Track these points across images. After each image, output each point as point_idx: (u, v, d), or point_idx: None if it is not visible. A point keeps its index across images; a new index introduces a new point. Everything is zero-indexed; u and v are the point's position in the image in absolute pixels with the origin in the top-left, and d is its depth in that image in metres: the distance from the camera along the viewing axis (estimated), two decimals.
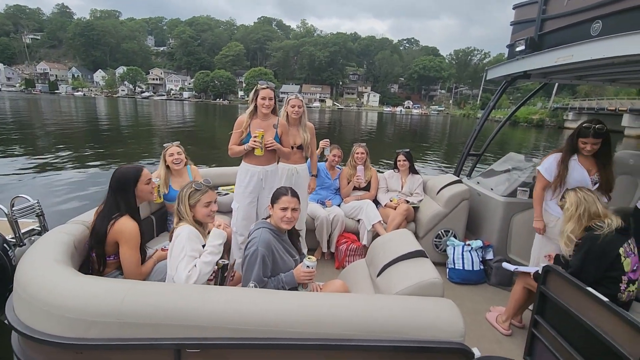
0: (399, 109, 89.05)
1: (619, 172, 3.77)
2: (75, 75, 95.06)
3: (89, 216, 2.16)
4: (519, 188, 3.43)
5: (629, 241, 2.03)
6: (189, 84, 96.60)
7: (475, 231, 3.82)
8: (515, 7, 3.34)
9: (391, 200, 3.85)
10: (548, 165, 2.63)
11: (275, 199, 2.09)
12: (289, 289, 1.97)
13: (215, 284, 1.93)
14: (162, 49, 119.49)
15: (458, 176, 4.08)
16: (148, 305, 1.46)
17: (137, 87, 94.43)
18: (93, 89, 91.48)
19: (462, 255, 3.39)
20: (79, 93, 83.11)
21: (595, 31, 2.36)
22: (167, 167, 3.09)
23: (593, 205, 2.12)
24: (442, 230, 3.64)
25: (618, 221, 2.05)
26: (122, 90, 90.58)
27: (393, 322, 1.51)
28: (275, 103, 2.85)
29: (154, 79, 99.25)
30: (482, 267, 3.37)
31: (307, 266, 1.97)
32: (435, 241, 3.66)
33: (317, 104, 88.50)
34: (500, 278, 3.28)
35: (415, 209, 3.83)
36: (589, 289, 1.79)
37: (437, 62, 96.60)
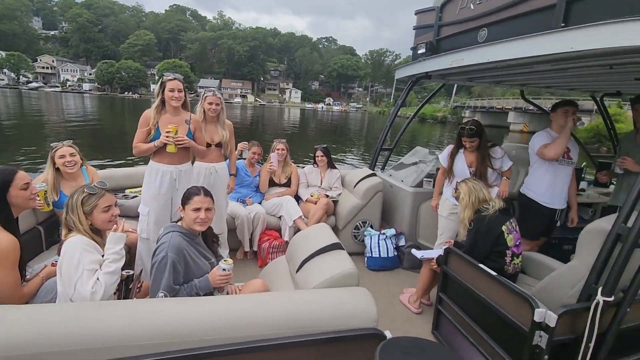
0: (320, 105, 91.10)
1: None
2: None
3: None
4: (424, 179, 3.76)
5: (511, 220, 2.37)
6: (90, 74, 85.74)
7: (389, 220, 4.10)
8: (416, 13, 3.63)
9: (312, 195, 3.92)
10: (443, 155, 3.17)
11: (186, 199, 1.97)
12: (204, 295, 1.87)
13: (119, 298, 1.74)
14: (52, 33, 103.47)
15: (373, 170, 4.33)
16: (39, 332, 1.25)
17: (21, 77, 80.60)
18: None
19: (378, 243, 3.61)
20: None
21: (481, 38, 2.67)
22: (57, 169, 2.68)
23: (480, 192, 2.43)
24: (360, 222, 3.83)
25: (500, 203, 2.38)
26: (0, 80, 76.54)
27: (312, 316, 1.53)
28: (185, 96, 2.68)
29: (44, 68, 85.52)
30: (396, 253, 3.64)
31: (223, 269, 1.89)
32: (354, 232, 3.84)
33: (238, 99, 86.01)
34: (411, 262, 3.57)
35: (335, 202, 3.96)
36: (481, 265, 2.05)
37: (354, 61, 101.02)
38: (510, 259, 2.29)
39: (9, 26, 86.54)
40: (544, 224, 2.92)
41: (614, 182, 3.43)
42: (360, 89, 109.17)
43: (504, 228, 2.29)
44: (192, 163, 2.95)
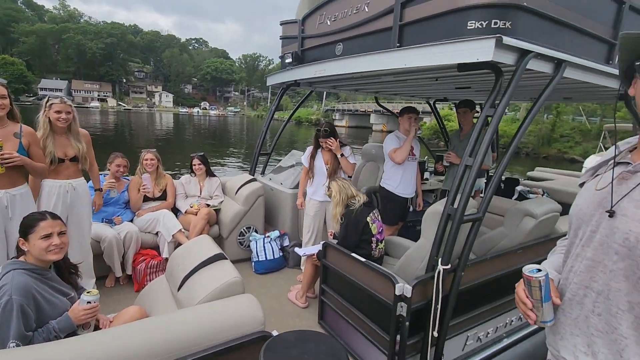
0: (195, 110, 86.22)
1: (366, 160, 4.94)
2: None
3: None
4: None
5: (374, 211, 2.73)
6: None
7: (273, 223, 4.20)
8: (281, 24, 3.81)
9: (191, 206, 3.73)
10: (305, 156, 3.49)
11: (28, 228, 1.66)
12: (65, 336, 1.61)
13: None
14: None
15: (253, 174, 4.36)
16: None
17: None
18: None
19: (264, 247, 3.66)
20: None
21: (338, 51, 2.98)
22: None
23: (349, 189, 2.73)
24: (244, 227, 3.82)
25: (364, 198, 2.72)
26: None
27: (199, 332, 1.49)
28: (11, 103, 2.25)
29: None
30: (281, 253, 3.76)
31: (88, 302, 1.67)
32: (239, 239, 3.81)
33: (96, 103, 74.74)
34: (296, 260, 3.74)
35: (217, 211, 3.86)
36: (352, 254, 2.30)
37: (228, 64, 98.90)
38: (375, 245, 2.63)
39: None
40: (400, 210, 3.48)
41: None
42: (237, 93, 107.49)
43: (368, 219, 2.62)
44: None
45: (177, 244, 3.38)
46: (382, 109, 6.35)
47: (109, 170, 3.45)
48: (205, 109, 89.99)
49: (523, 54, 1.86)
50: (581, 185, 1.16)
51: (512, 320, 2.58)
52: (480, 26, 1.88)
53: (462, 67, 2.03)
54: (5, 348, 1.45)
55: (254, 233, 3.84)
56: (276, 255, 3.69)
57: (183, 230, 3.44)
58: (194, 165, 3.94)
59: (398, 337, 1.94)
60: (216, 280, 1.78)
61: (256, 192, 3.82)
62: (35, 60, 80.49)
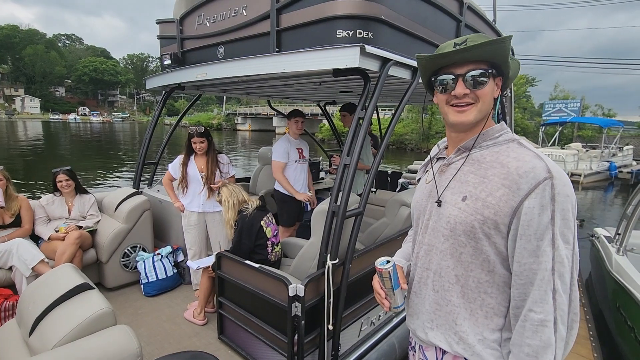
0: (72, 116, 74.60)
1: (263, 163, 4.93)
2: None
3: None
4: None
5: (268, 215, 2.71)
6: None
7: (164, 238, 3.87)
8: (158, 23, 3.53)
9: (57, 230, 3.19)
10: (175, 165, 3.23)
11: None
12: None
13: None
14: None
15: (137, 187, 3.95)
16: None
17: None
18: None
19: (154, 266, 3.34)
20: None
21: (220, 54, 2.88)
22: None
23: (240, 194, 2.67)
24: (129, 248, 3.43)
25: (257, 201, 2.69)
26: None
27: None
28: None
29: None
30: (175, 270, 3.47)
31: None
32: (123, 261, 3.40)
33: None
34: (193, 275, 3.50)
35: (93, 232, 3.38)
36: (246, 261, 2.25)
37: (110, 64, 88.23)
38: (271, 248, 2.62)
39: None
40: (295, 211, 3.55)
41: None
42: (124, 97, 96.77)
43: (262, 223, 2.59)
44: None
45: None
46: (276, 112, 6.42)
47: None
48: (85, 115, 78.70)
49: (384, 61, 2.06)
50: (418, 180, 1.34)
51: None
52: (347, 35, 2.02)
53: (337, 72, 2.15)
54: None
55: (141, 252, 3.47)
56: (169, 273, 3.39)
57: (47, 260, 2.92)
58: (59, 182, 3.37)
59: (296, 337, 1.96)
60: (79, 316, 1.54)
61: (141, 207, 3.46)
62: None
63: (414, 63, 2.24)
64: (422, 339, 1.17)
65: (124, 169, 14.51)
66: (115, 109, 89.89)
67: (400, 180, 4.92)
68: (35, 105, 76.37)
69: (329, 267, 1.95)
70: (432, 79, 1.10)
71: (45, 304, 1.62)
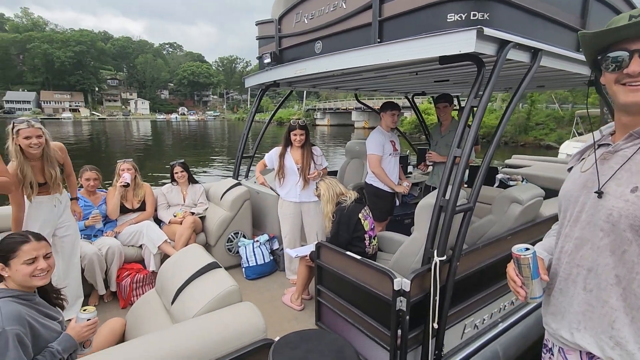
0: (173, 116, 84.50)
1: (351, 157, 4.95)
2: None
3: None
4: None
5: (365, 208, 2.72)
6: None
7: (261, 226, 4.14)
8: (257, 24, 3.75)
9: (175, 216, 3.63)
10: (271, 157, 3.38)
11: (8, 253, 1.54)
12: (68, 356, 1.56)
13: None
14: None
15: (237, 179, 4.29)
16: None
17: None
18: None
19: (254, 252, 3.60)
20: None
21: (317, 49, 2.95)
22: None
23: (336, 187, 2.72)
24: (232, 234, 3.75)
25: (355, 194, 2.70)
26: None
27: (202, 346, 1.45)
28: None
29: None
30: (271, 257, 3.70)
31: (88, 319, 1.61)
32: (227, 245, 3.74)
33: (68, 114, 72.14)
34: (288, 263, 3.69)
35: (202, 218, 3.77)
36: (348, 252, 2.28)
37: (204, 68, 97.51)
38: (369, 241, 2.62)
39: None
40: (388, 205, 3.49)
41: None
42: (215, 97, 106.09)
43: (360, 215, 2.60)
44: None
45: (164, 256, 3.29)
46: (362, 105, 6.37)
47: (79, 184, 3.31)
48: (184, 114, 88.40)
49: (502, 44, 1.88)
50: (569, 169, 1.20)
51: (505, 305, 2.62)
52: (459, 18, 1.89)
53: (444, 59, 2.03)
54: None
55: (242, 238, 3.77)
56: (267, 260, 3.63)
57: (169, 240, 3.34)
58: (176, 173, 3.83)
59: (399, 331, 1.93)
60: (212, 290, 1.73)
61: (242, 197, 3.75)
62: None
63: (535, 44, 2.02)
64: (567, 340, 1.07)
65: (215, 162, 15.94)
66: (208, 108, 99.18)
67: (499, 176, 4.50)
68: (145, 106, 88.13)
69: (436, 264, 1.88)
70: (600, 57, 0.97)
71: (184, 278, 1.85)
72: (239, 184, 3.95)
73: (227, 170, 13.23)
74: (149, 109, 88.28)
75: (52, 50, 77.24)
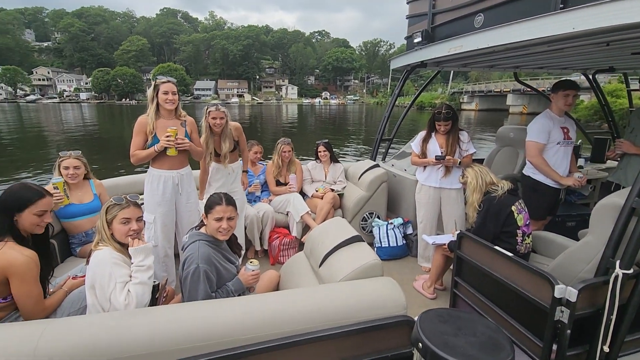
0: (317, 100, 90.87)
1: (502, 144, 4.39)
2: None
3: None
4: None
5: (520, 201, 2.40)
6: (86, 83, 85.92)
7: (395, 210, 4.13)
8: (409, 2, 3.63)
9: (317, 191, 3.95)
10: (416, 142, 3.30)
11: (208, 208, 1.97)
12: (237, 296, 1.92)
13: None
14: (46, 44, 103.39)
15: (374, 160, 4.35)
16: (73, 344, 1.26)
17: (18, 90, 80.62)
18: None
19: (387, 233, 3.64)
20: None
21: (478, 23, 2.68)
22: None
23: (487, 175, 2.46)
24: (367, 213, 3.86)
25: (508, 185, 2.41)
26: None
27: (343, 309, 1.56)
28: (179, 99, 2.67)
29: (40, 80, 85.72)
30: (404, 241, 3.67)
31: (252, 270, 1.97)
32: (361, 224, 3.87)
33: (235, 99, 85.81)
34: (421, 249, 3.60)
35: (340, 195, 3.99)
36: (497, 247, 2.07)
37: (348, 53, 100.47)
38: (521, 238, 2.32)
39: (2, 40, 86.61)
40: (550, 203, 2.96)
41: (619, 159, 3.45)
42: (356, 81, 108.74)
43: (513, 208, 2.32)
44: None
45: (304, 225, 3.65)
46: (523, 87, 5.52)
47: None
48: (326, 98, 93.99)
49: None
50: None
51: None
52: None
53: None
54: None
55: (376, 219, 3.85)
56: (399, 243, 3.62)
57: (310, 212, 3.67)
58: (320, 151, 4.14)
59: (554, 345, 1.68)
60: (357, 260, 1.82)
61: (380, 178, 3.80)
62: (191, 66, 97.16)
63: None
64: None
65: (352, 143, 16.48)
66: (348, 92, 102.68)
67: None
68: (294, 92, 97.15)
69: (616, 277, 1.53)
70: None
71: (331, 245, 2.01)
72: (377, 165, 4.01)
73: (359, 152, 13.55)
74: (297, 93, 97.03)
75: (227, 45, 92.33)
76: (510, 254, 1.93)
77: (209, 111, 2.99)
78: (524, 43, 2.22)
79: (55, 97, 78.80)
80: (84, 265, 1.77)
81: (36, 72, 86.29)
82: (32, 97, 77.14)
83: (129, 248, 1.73)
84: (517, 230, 2.30)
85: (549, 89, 3.18)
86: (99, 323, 1.38)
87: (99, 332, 1.32)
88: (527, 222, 2.35)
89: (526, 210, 2.39)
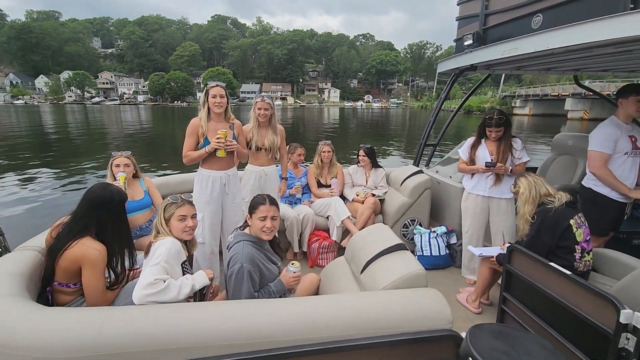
0: (359, 103, 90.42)
1: (558, 152, 4.09)
2: (14, 82, 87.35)
3: (38, 241, 1.99)
4: None
5: (580, 214, 2.23)
6: (143, 86, 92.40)
7: (439, 218, 3.99)
8: (459, 4, 3.50)
9: (358, 195, 3.92)
10: (463, 148, 3.19)
11: (252, 208, 2.03)
12: (279, 297, 1.96)
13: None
14: (110, 51, 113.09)
15: (417, 166, 4.24)
16: (130, 332, 1.35)
17: (85, 93, 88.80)
18: (36, 96, 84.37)
19: (429, 242, 3.53)
20: (20, 101, 76.39)
21: (536, 24, 2.53)
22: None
23: (542, 187, 2.30)
24: (409, 220, 3.77)
25: (567, 196, 2.24)
26: (69, 97, 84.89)
27: (385, 318, 1.53)
28: (227, 102, 2.78)
29: (104, 83, 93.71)
30: (447, 251, 3.53)
31: (293, 271, 1.99)
32: (402, 231, 3.78)
33: (278, 102, 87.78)
34: (465, 260, 3.44)
35: (381, 201, 3.93)
36: (552, 264, 1.93)
37: (392, 56, 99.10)
38: (580, 255, 2.14)
39: (74, 48, 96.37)
40: (614, 218, 2.71)
41: None
42: (400, 84, 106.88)
43: (572, 222, 2.15)
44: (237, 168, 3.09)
45: (344, 229, 3.63)
46: (585, 90, 5.11)
47: (289, 159, 3.96)
48: (369, 102, 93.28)
49: None
50: None
51: None
52: None
53: None
54: None
55: (418, 226, 3.74)
56: (442, 252, 3.49)
57: (351, 217, 3.65)
58: (360, 155, 4.11)
59: None
60: (400, 269, 1.78)
61: (423, 185, 3.70)
62: (238, 70, 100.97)
63: None
64: None
65: (392, 148, 16.17)
66: (392, 96, 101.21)
67: None
68: (336, 95, 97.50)
69: None
70: None
71: (374, 252, 1.98)
72: (420, 171, 3.90)
73: (401, 157, 13.25)
74: (339, 97, 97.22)
75: (273, 50, 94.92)
76: (568, 272, 1.79)
77: (256, 101, 3.13)
78: (587, 45, 2.06)
79: (117, 100, 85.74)
80: (142, 257, 1.89)
81: (101, 77, 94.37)
82: (96, 99, 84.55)
83: (200, 273, 1.86)
84: (576, 246, 2.13)
85: (614, 93, 2.92)
86: (154, 314, 1.46)
87: (154, 323, 1.40)
88: (588, 238, 2.17)
89: (586, 224, 2.20)
